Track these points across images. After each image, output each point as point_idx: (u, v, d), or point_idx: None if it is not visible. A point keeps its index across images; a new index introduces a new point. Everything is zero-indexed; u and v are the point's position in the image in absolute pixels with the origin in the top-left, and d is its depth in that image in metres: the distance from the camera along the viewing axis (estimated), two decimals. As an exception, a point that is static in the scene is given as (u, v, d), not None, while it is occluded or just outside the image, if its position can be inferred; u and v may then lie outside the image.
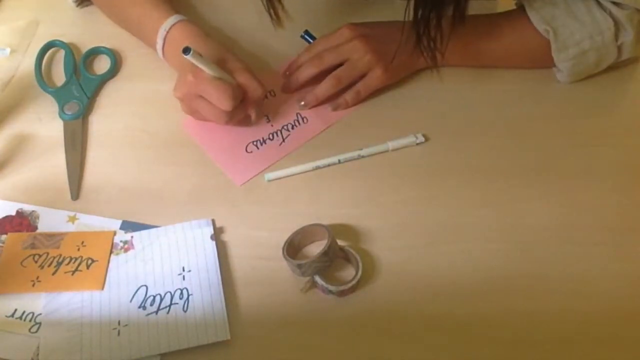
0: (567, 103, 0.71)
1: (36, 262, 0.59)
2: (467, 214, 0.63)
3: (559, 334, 0.56)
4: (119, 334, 0.55)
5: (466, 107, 0.71)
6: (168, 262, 0.59)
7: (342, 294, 0.57)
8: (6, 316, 0.56)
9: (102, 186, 0.64)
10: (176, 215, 0.62)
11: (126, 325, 0.55)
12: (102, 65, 0.75)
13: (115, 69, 0.74)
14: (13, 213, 0.62)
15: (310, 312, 0.57)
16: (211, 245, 0.60)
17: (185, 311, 0.56)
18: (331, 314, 0.57)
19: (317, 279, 0.57)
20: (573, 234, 0.62)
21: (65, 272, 0.58)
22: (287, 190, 0.64)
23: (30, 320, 0.56)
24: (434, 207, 0.63)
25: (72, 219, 0.62)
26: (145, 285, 0.58)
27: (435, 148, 0.68)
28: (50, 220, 0.62)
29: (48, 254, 0.59)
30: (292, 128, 0.69)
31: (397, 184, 0.65)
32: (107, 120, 0.70)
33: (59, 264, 0.59)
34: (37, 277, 0.58)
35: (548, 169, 0.66)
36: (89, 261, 0.59)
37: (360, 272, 0.57)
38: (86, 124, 0.69)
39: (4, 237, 0.60)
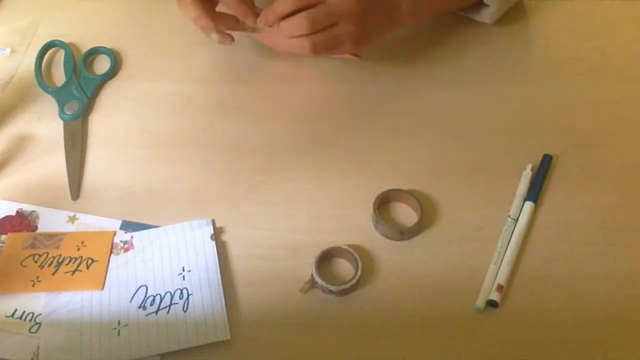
0: (566, 102, 0.72)
1: (36, 262, 0.59)
2: (467, 214, 0.63)
3: (559, 334, 0.56)
4: (119, 334, 0.55)
5: (466, 106, 0.71)
6: (168, 262, 0.59)
7: (342, 293, 0.57)
8: (6, 316, 0.56)
9: (102, 186, 0.64)
10: (176, 215, 0.62)
11: (126, 325, 0.55)
12: (102, 65, 0.75)
13: (115, 69, 0.74)
14: (13, 213, 0.62)
15: (310, 312, 0.57)
16: (211, 245, 0.60)
17: (185, 311, 0.56)
18: (331, 314, 0.57)
19: (317, 278, 0.57)
20: (573, 234, 0.62)
21: (65, 272, 0.58)
22: (287, 190, 0.64)
23: (30, 320, 0.56)
24: (434, 207, 0.63)
25: (72, 219, 0.62)
26: (145, 285, 0.58)
27: (435, 148, 0.68)
28: (50, 220, 0.62)
29: (48, 254, 0.59)
30: None
31: (397, 183, 0.65)
32: (107, 120, 0.70)
33: (59, 264, 0.59)
34: (37, 277, 0.58)
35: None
36: (89, 261, 0.59)
37: (360, 272, 0.57)
38: (86, 124, 0.69)
39: (4, 237, 0.60)
